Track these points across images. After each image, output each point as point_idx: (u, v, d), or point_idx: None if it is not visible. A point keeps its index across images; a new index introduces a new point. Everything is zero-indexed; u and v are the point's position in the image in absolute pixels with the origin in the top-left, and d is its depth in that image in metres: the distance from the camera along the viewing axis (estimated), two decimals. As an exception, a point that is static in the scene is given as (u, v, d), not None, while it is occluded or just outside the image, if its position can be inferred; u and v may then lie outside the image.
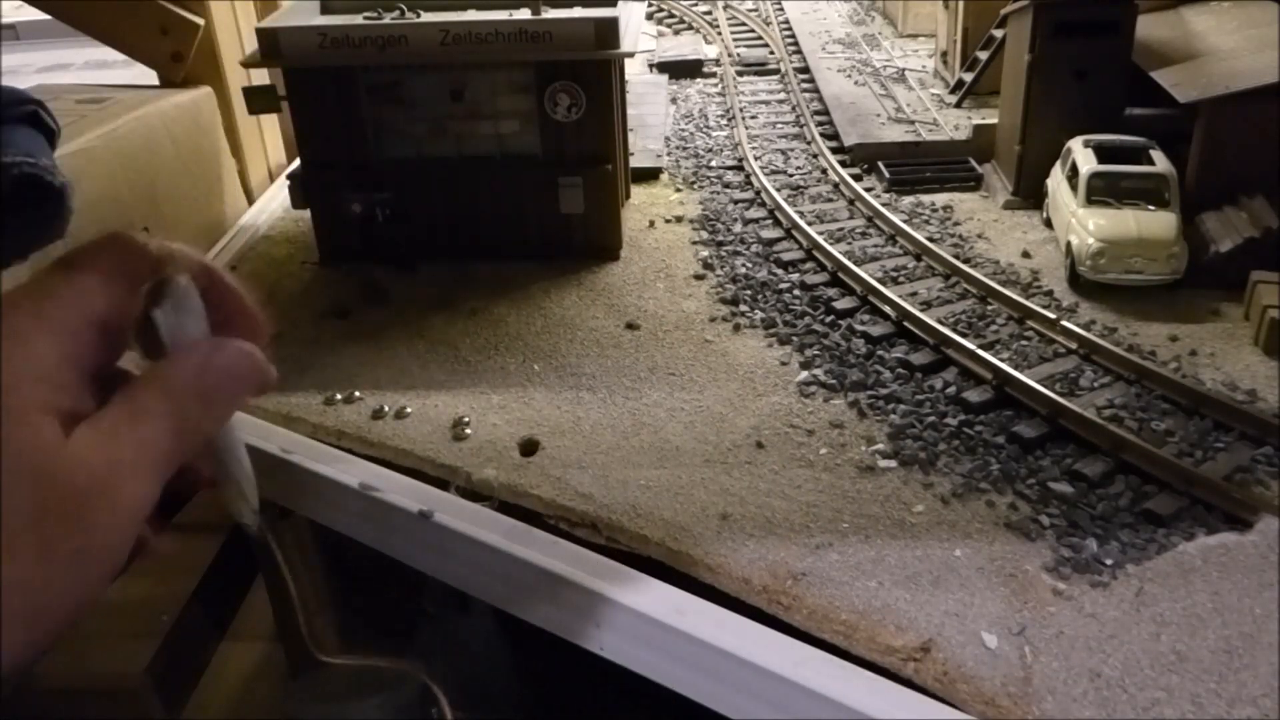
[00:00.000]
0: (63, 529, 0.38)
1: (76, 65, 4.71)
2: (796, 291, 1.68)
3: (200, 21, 1.94)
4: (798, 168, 2.23)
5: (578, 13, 1.68)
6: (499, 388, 1.42)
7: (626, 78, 2.07)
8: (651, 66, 2.96)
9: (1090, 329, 1.51)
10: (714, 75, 2.93)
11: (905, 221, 1.90)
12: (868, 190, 2.06)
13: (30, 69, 4.77)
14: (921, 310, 1.55)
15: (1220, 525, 1.12)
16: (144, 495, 0.41)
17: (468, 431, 1.31)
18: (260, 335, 0.46)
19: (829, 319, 1.59)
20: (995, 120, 2.15)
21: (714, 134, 2.47)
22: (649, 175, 2.19)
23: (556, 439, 1.29)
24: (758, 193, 2.10)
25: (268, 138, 2.20)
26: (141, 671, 1.35)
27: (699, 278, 1.74)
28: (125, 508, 0.40)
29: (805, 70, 2.84)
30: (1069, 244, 1.67)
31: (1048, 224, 1.88)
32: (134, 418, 0.41)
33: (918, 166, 2.17)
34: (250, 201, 2.12)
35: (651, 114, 2.54)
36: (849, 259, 1.73)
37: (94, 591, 0.39)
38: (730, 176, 2.20)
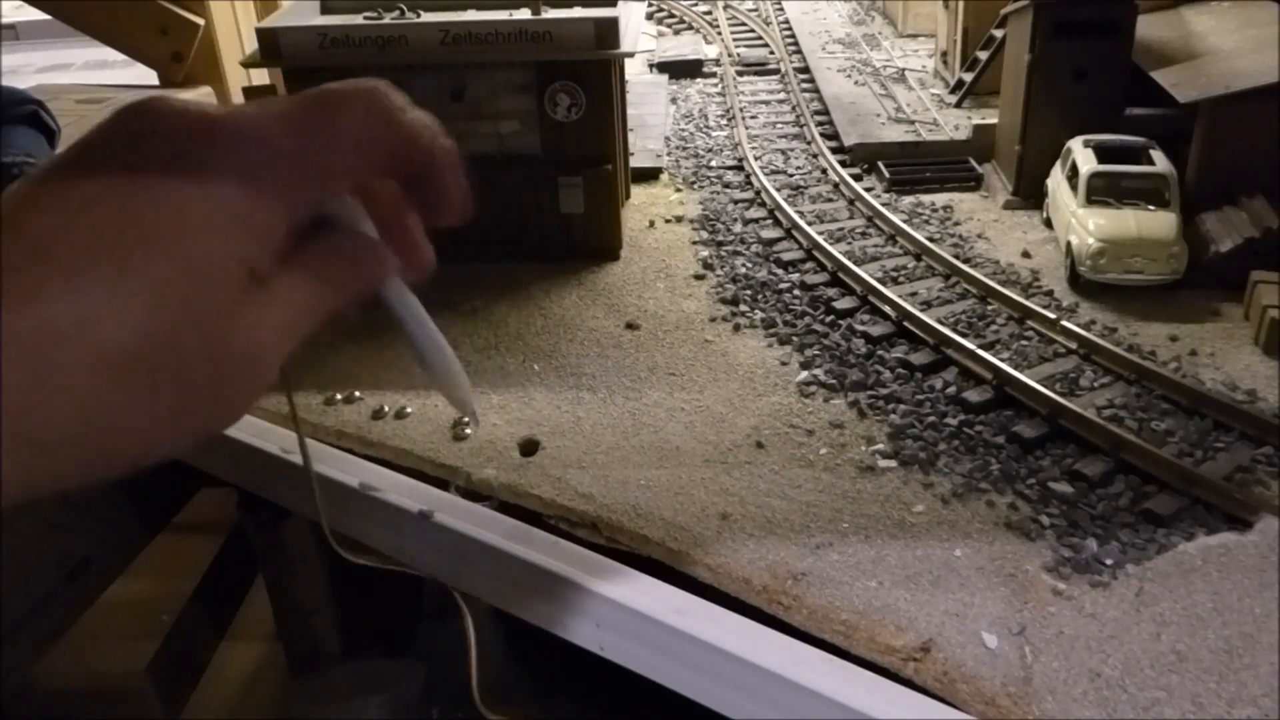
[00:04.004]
0: (196, 395, 0.36)
1: (76, 65, 4.71)
2: (796, 291, 1.68)
3: (200, 21, 1.94)
4: (798, 168, 2.23)
5: (578, 13, 1.68)
6: (499, 388, 1.42)
7: (626, 78, 2.07)
8: (651, 66, 2.96)
9: (1090, 329, 1.51)
10: (714, 75, 2.93)
11: (905, 221, 1.90)
12: (868, 190, 2.06)
13: (30, 69, 4.77)
14: (921, 310, 1.55)
15: (1220, 525, 1.12)
16: (270, 378, 0.39)
17: (468, 431, 1.31)
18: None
19: (829, 319, 1.59)
20: (995, 120, 2.15)
21: (714, 134, 2.47)
22: (649, 175, 2.19)
23: (556, 439, 1.29)
24: (758, 193, 2.10)
25: (268, 138, 2.20)
26: (141, 671, 1.35)
27: (699, 278, 1.74)
28: (258, 389, 0.39)
29: (805, 70, 2.84)
30: (1069, 244, 1.67)
31: (1048, 224, 1.88)
32: (293, 297, 0.39)
33: (918, 166, 2.17)
34: (250, 201, 2.12)
35: (651, 114, 2.54)
36: (849, 259, 1.73)
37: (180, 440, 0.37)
38: (730, 176, 2.20)
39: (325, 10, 1.73)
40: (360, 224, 0.44)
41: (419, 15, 1.68)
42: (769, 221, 1.97)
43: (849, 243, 1.85)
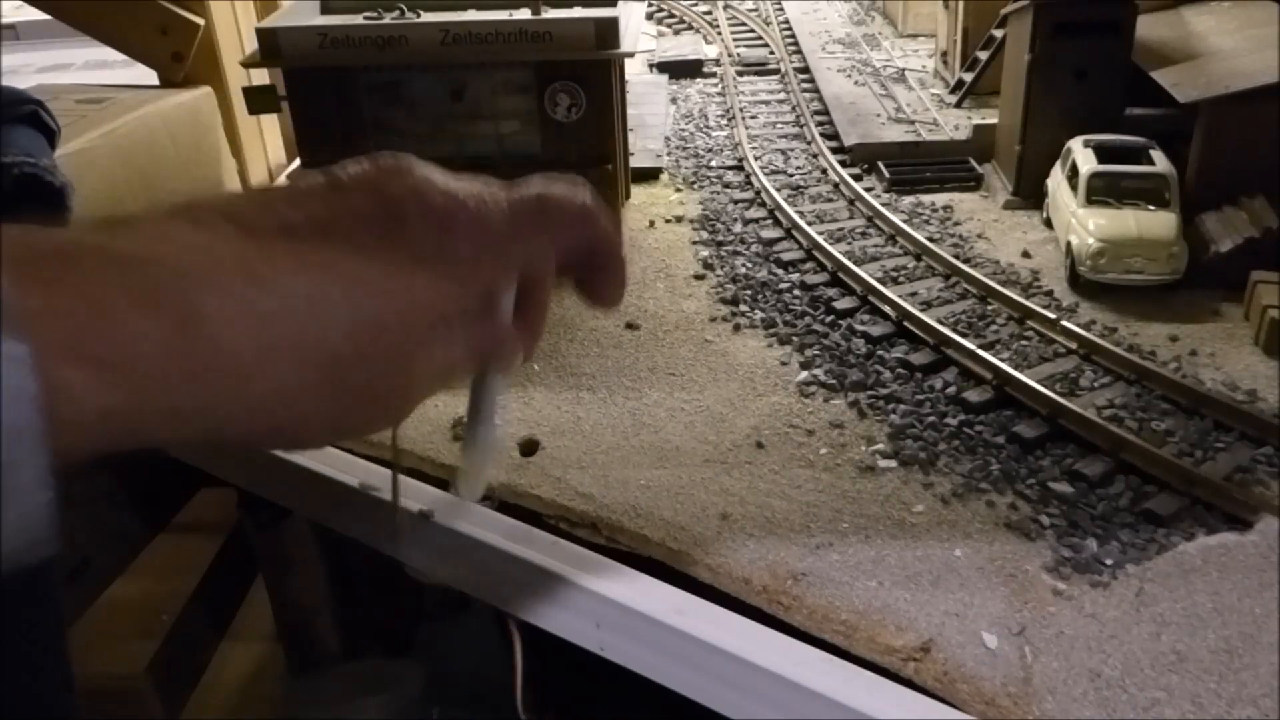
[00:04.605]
0: (356, 405, 0.43)
1: (76, 65, 4.71)
2: (796, 291, 1.68)
3: (200, 21, 1.94)
4: (798, 168, 2.23)
5: (578, 13, 1.68)
6: (499, 388, 1.42)
7: (626, 78, 2.07)
8: (651, 66, 2.96)
9: (1090, 329, 1.51)
10: (714, 75, 2.93)
11: (905, 221, 1.90)
12: (868, 190, 2.06)
13: (30, 69, 4.77)
14: (921, 310, 1.55)
15: (1220, 525, 1.12)
16: (408, 413, 0.49)
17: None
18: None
19: (829, 319, 1.59)
20: (995, 120, 2.15)
21: (714, 134, 2.47)
22: (649, 175, 2.19)
23: (556, 439, 1.29)
24: (758, 193, 2.10)
25: (268, 138, 2.20)
26: (141, 671, 1.35)
27: (699, 278, 1.74)
28: (398, 416, 0.48)
29: (805, 70, 2.84)
30: (1069, 244, 1.67)
31: (1048, 224, 1.88)
32: (452, 356, 0.48)
33: (918, 166, 2.17)
34: (250, 201, 2.11)
35: (651, 114, 2.54)
36: (849, 259, 1.73)
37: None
38: (730, 176, 2.20)
39: (325, 10, 1.73)
40: (510, 308, 0.51)
41: (419, 15, 1.68)
42: (769, 221, 1.97)
43: (849, 243, 1.85)
